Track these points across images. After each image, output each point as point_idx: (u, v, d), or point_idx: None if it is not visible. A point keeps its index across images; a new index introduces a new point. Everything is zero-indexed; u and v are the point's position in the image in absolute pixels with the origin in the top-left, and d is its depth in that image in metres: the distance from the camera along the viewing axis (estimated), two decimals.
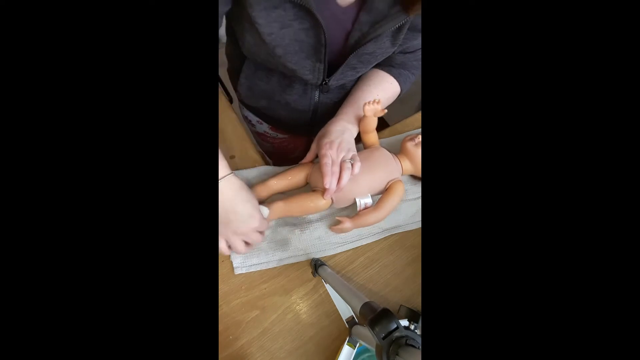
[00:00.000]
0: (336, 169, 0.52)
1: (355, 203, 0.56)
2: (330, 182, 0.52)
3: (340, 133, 0.56)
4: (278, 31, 0.48)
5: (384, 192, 0.57)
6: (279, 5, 0.45)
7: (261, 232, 0.53)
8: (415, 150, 0.58)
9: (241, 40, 0.58)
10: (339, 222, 0.56)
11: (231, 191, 0.49)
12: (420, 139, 0.59)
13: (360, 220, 0.55)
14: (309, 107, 0.67)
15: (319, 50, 0.52)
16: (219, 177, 0.47)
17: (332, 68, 0.56)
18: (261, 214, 0.52)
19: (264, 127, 0.81)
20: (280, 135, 0.84)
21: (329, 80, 0.58)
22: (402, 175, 0.59)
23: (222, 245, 0.51)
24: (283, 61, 0.53)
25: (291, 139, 0.87)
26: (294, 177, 0.59)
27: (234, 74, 0.69)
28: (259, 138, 0.87)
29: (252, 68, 0.64)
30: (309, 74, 0.56)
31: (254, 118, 0.79)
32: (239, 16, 0.52)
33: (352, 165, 0.53)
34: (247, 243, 0.52)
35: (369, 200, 0.56)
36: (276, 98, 0.67)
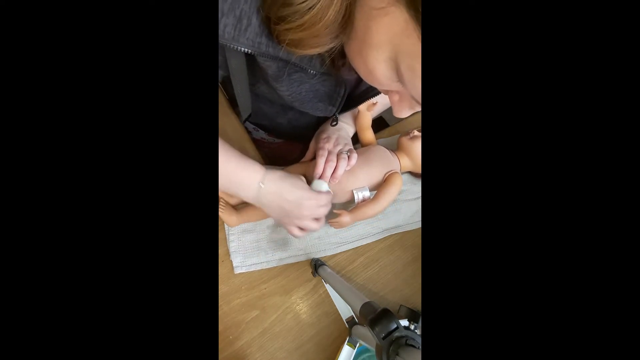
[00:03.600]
0: (333, 158, 0.53)
1: (353, 200, 0.56)
2: (323, 169, 0.52)
3: (337, 130, 0.58)
4: (296, 88, 0.48)
5: (382, 184, 0.56)
6: (300, 70, 0.45)
7: (325, 206, 0.52)
8: (411, 144, 0.58)
9: (252, 85, 0.58)
10: (337, 215, 0.54)
11: (274, 185, 0.49)
12: (415, 133, 0.59)
13: (359, 213, 0.54)
14: (310, 123, 0.68)
15: (334, 98, 0.52)
16: (259, 181, 0.48)
17: (343, 109, 0.57)
18: (315, 191, 0.52)
19: (260, 134, 0.81)
20: (277, 140, 0.84)
21: (338, 115, 0.58)
22: (400, 172, 0.59)
23: (295, 231, 0.51)
24: (297, 107, 0.53)
25: (289, 143, 0.87)
26: (293, 173, 0.59)
27: (232, 92, 0.69)
28: (255, 144, 0.87)
29: (255, 93, 0.63)
30: (320, 113, 0.56)
31: (250, 126, 0.78)
32: (253, 71, 0.51)
33: (348, 156, 0.53)
34: (317, 219, 0.52)
35: (367, 193, 0.55)
36: (279, 120, 0.68)
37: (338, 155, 0.53)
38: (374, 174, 0.56)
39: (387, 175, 0.55)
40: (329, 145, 0.55)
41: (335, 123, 0.60)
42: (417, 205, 0.61)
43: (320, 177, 0.52)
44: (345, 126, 0.60)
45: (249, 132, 0.81)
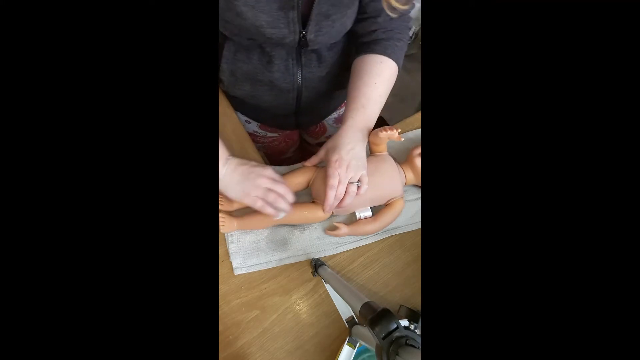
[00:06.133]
0: (342, 189, 0.53)
1: (354, 216, 0.58)
2: (331, 204, 0.53)
3: (351, 148, 0.55)
4: None
5: (385, 207, 0.58)
6: None
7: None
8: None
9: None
10: (335, 227, 0.57)
11: (236, 161, 0.54)
12: None
13: (356, 229, 0.57)
14: (292, 84, 0.66)
15: None
16: (226, 157, 0.53)
17: (306, 22, 0.55)
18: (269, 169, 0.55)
19: (252, 127, 0.81)
20: (269, 134, 0.83)
21: (306, 33, 0.57)
22: (405, 185, 0.59)
23: (259, 204, 0.52)
24: (256, 14, 0.52)
25: (282, 138, 0.86)
26: (296, 180, 0.59)
27: (218, 66, 0.69)
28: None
29: (232, 50, 0.63)
30: (284, 28, 0.55)
31: (242, 118, 0.78)
32: None
33: (358, 187, 0.53)
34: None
35: (368, 213, 0.58)
36: (259, 77, 0.66)
37: (348, 185, 0.53)
38: (379, 196, 0.57)
39: (390, 201, 0.58)
40: (340, 172, 0.53)
41: (305, 45, 0.58)
42: (417, 206, 0.61)
43: (324, 208, 0.54)
44: (358, 135, 0.57)
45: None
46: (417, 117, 0.71)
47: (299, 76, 0.65)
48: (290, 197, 0.54)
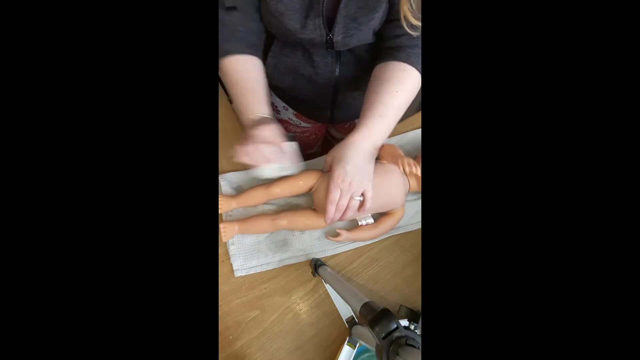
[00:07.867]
0: (343, 203, 0.51)
1: (355, 222, 0.58)
2: (332, 217, 0.51)
3: (358, 162, 0.53)
4: None
5: (386, 214, 0.58)
6: None
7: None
8: None
9: (260, 13, 0.60)
10: (336, 233, 0.57)
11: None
12: None
13: (357, 234, 0.57)
14: (330, 81, 0.68)
15: (316, 2, 0.52)
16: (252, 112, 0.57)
17: (332, 25, 0.56)
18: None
19: (288, 114, 0.83)
20: (303, 124, 0.85)
21: (332, 36, 0.57)
22: (408, 191, 0.59)
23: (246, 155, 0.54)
24: (286, 20, 0.54)
25: (312, 130, 0.88)
26: (299, 183, 0.58)
27: (264, 60, 0.71)
28: (281, 126, 0.89)
29: (279, 45, 0.66)
30: (311, 32, 0.56)
31: (280, 103, 0.81)
32: None
33: (361, 202, 0.52)
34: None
35: (370, 220, 0.58)
36: (300, 71, 0.68)
37: (350, 199, 0.51)
38: (381, 205, 0.57)
39: (392, 210, 0.58)
40: (343, 187, 0.51)
41: (331, 47, 0.59)
42: (418, 206, 0.61)
43: (325, 220, 0.52)
44: (366, 146, 0.55)
45: (277, 112, 0.85)
46: (417, 117, 0.71)
47: (337, 74, 0.67)
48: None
